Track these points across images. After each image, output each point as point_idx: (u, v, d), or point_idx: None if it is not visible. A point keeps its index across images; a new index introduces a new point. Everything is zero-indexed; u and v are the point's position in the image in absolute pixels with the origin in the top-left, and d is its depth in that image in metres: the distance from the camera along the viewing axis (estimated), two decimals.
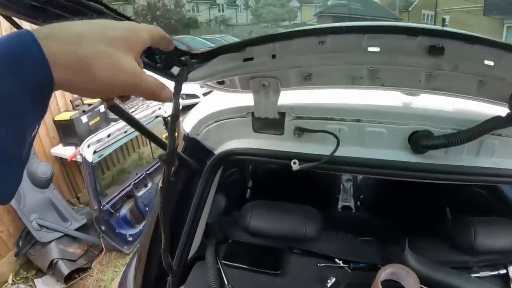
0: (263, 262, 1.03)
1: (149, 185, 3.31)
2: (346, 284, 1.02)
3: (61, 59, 0.34)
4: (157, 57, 0.87)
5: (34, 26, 0.49)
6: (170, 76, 0.89)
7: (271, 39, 0.85)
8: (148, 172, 3.31)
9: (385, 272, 0.99)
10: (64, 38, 0.35)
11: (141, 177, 3.25)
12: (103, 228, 2.85)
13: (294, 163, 0.87)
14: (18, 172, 0.33)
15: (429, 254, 1.09)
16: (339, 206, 1.97)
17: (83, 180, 3.04)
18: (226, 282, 1.00)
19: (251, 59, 0.89)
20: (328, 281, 1.01)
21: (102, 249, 3.12)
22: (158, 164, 3.29)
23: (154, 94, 0.44)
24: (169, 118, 0.88)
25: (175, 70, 0.87)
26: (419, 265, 1.00)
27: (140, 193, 3.22)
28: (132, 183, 3.16)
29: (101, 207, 2.82)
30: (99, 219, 2.83)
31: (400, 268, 0.99)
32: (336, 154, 0.89)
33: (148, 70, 0.96)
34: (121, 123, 2.89)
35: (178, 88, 0.91)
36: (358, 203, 1.99)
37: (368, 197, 1.89)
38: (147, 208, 3.14)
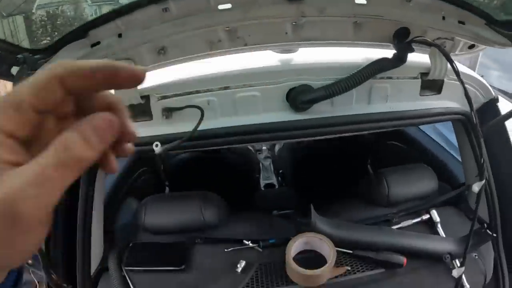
0: (166, 260, 0.96)
1: None
2: (258, 264, 0.96)
3: None
4: None
5: None
6: (12, 79, 0.80)
7: (110, 17, 0.77)
8: None
9: (297, 244, 0.93)
10: None
11: None
12: (29, 261, 2.70)
13: (156, 145, 0.79)
14: None
15: (346, 215, 1.04)
16: (262, 185, 1.91)
17: None
18: None
19: (98, 43, 0.81)
20: (238, 265, 0.93)
21: (36, 285, 2.94)
22: None
23: None
24: None
25: None
26: (330, 228, 0.93)
27: None
28: None
29: None
30: None
31: (310, 237, 0.93)
32: (209, 127, 0.81)
33: None
34: None
35: None
36: (280, 178, 1.94)
37: (287, 171, 1.84)
38: None
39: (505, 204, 1.06)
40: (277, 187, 1.87)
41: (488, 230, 1.00)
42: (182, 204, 1.03)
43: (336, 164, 1.36)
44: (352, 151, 1.33)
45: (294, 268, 0.87)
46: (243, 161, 1.57)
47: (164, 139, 0.81)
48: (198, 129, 0.80)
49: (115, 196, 1.30)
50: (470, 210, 1.08)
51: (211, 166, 1.32)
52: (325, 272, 0.87)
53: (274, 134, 0.84)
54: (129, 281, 0.93)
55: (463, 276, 0.96)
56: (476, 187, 0.85)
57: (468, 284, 0.97)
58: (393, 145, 1.61)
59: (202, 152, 1.49)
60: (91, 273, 0.96)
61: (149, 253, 0.99)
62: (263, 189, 1.84)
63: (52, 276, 0.79)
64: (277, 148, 2.15)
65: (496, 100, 1.01)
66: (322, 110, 0.87)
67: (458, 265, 0.95)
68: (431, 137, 1.52)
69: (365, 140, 1.55)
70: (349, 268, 0.91)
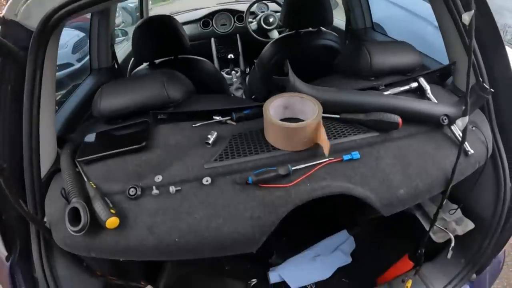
0: (125, 142, 0.79)
1: None
2: (232, 136, 0.81)
3: None
4: None
5: None
6: None
7: None
8: None
9: (275, 105, 0.79)
10: None
11: None
12: None
13: None
14: None
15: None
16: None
17: None
18: (86, 180, 0.73)
19: None
20: (209, 136, 0.78)
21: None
22: None
23: None
24: None
25: None
26: (311, 89, 0.81)
27: None
28: None
29: None
30: None
31: (290, 96, 0.80)
32: None
33: None
34: None
35: None
36: None
37: (259, 95, 1.74)
38: None
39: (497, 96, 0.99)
40: None
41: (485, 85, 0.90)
42: (142, 81, 0.88)
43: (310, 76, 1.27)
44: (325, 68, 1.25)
45: (275, 124, 0.73)
46: (215, 83, 1.43)
47: None
48: None
49: (75, 120, 1.12)
50: (457, 90, 1.01)
51: None
52: (311, 125, 0.74)
53: None
54: (83, 174, 0.74)
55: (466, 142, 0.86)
56: (466, 16, 0.77)
57: (472, 150, 0.86)
58: None
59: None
60: (42, 176, 0.77)
61: (105, 140, 0.82)
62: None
63: None
64: (248, 79, 2.06)
65: None
66: None
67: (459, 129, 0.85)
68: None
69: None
70: (338, 116, 0.78)
